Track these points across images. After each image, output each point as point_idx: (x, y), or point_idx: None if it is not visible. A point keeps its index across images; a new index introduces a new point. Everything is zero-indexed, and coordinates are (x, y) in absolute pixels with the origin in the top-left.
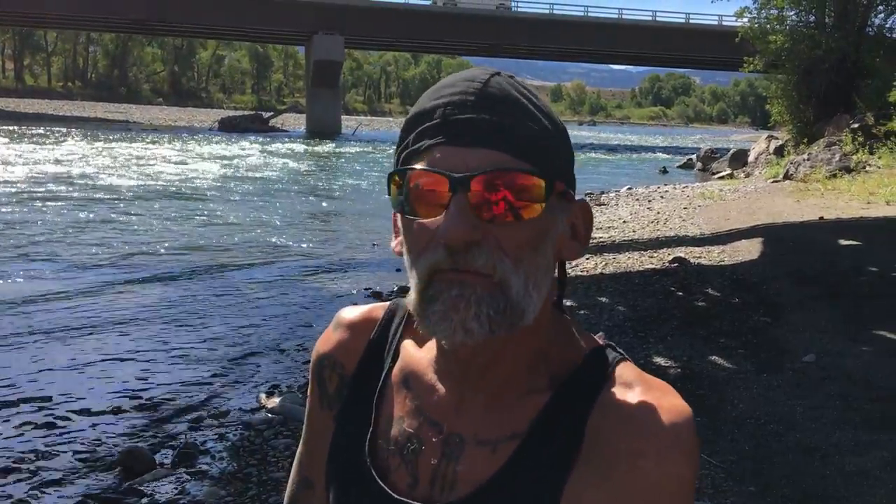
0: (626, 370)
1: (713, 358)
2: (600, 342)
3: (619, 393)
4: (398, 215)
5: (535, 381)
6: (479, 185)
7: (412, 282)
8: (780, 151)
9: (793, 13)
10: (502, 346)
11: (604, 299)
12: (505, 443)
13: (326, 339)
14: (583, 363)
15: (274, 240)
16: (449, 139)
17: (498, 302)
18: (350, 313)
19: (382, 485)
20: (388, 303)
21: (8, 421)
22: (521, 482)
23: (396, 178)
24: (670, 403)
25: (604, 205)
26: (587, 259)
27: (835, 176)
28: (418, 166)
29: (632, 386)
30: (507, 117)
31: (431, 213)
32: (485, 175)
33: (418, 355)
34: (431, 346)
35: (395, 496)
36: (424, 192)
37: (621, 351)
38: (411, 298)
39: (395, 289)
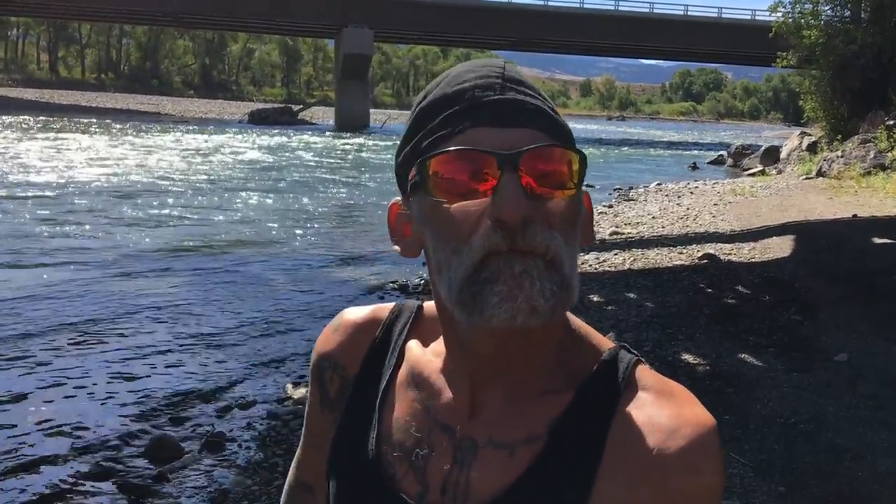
0: (644, 374)
1: (743, 356)
2: (613, 343)
3: (642, 400)
4: (405, 208)
5: (551, 381)
6: (527, 161)
7: (454, 269)
8: (813, 148)
9: (828, 8)
10: (531, 340)
11: (632, 295)
12: (523, 447)
13: (327, 340)
14: (601, 364)
15: (301, 232)
16: (483, 121)
17: (556, 278)
18: (353, 314)
19: (395, 492)
20: (392, 304)
21: (37, 410)
22: (544, 491)
23: (427, 164)
24: (694, 414)
25: (633, 200)
26: (615, 254)
27: (869, 173)
28: (462, 147)
29: (653, 393)
30: (533, 99)
31: (469, 196)
32: (532, 151)
33: (425, 356)
34: (438, 347)
35: (410, 502)
36: (462, 174)
37: (635, 352)
38: (455, 285)
39: (422, 282)
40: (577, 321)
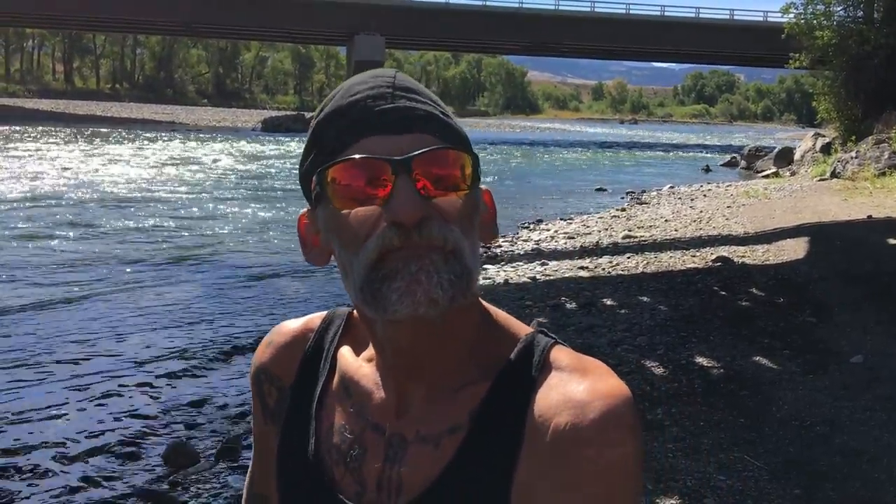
0: (559, 354)
1: (757, 358)
2: (531, 328)
3: (556, 379)
4: (312, 219)
5: (471, 371)
6: (419, 164)
7: (356, 271)
8: (826, 149)
9: (840, 8)
10: (444, 332)
11: (645, 298)
12: (447, 437)
13: (262, 353)
14: (517, 351)
15: None
16: (376, 129)
17: (454, 268)
18: (286, 326)
19: (335, 494)
20: (324, 312)
21: (54, 416)
22: (470, 478)
23: (325, 175)
24: (607, 385)
25: (646, 203)
26: (628, 258)
27: (884, 174)
28: (356, 156)
29: (568, 371)
30: (424, 105)
31: (367, 202)
32: (423, 155)
33: (356, 362)
34: (369, 352)
35: (348, 502)
36: (359, 181)
37: (553, 335)
38: (357, 285)
39: None
40: (494, 310)
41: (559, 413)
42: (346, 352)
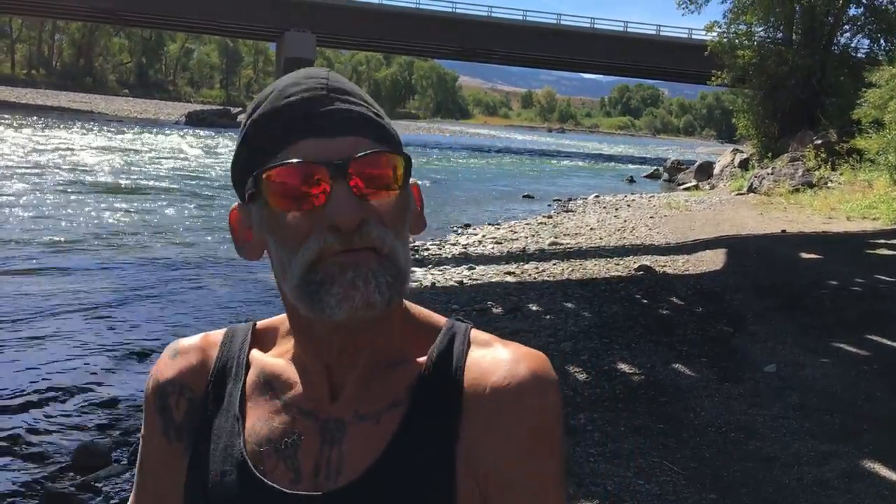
0: (479, 334)
1: (676, 366)
2: (445, 318)
3: (483, 352)
4: (244, 214)
5: (401, 351)
6: (356, 168)
7: (293, 270)
8: (744, 165)
9: (761, 29)
10: (376, 326)
11: (570, 305)
12: (387, 413)
13: (166, 367)
14: (444, 332)
15: (228, 235)
16: (311, 132)
17: (390, 271)
18: (188, 340)
19: (269, 482)
20: (222, 329)
21: None
22: (415, 450)
23: (261, 177)
24: (527, 351)
25: (571, 212)
26: (554, 264)
27: (797, 190)
28: (294, 160)
29: (491, 344)
30: (358, 107)
31: (304, 205)
32: (359, 159)
33: (272, 360)
34: (281, 350)
35: (285, 490)
36: (296, 184)
37: (466, 321)
38: (294, 283)
39: None
40: (413, 306)
41: (493, 373)
42: (258, 354)
